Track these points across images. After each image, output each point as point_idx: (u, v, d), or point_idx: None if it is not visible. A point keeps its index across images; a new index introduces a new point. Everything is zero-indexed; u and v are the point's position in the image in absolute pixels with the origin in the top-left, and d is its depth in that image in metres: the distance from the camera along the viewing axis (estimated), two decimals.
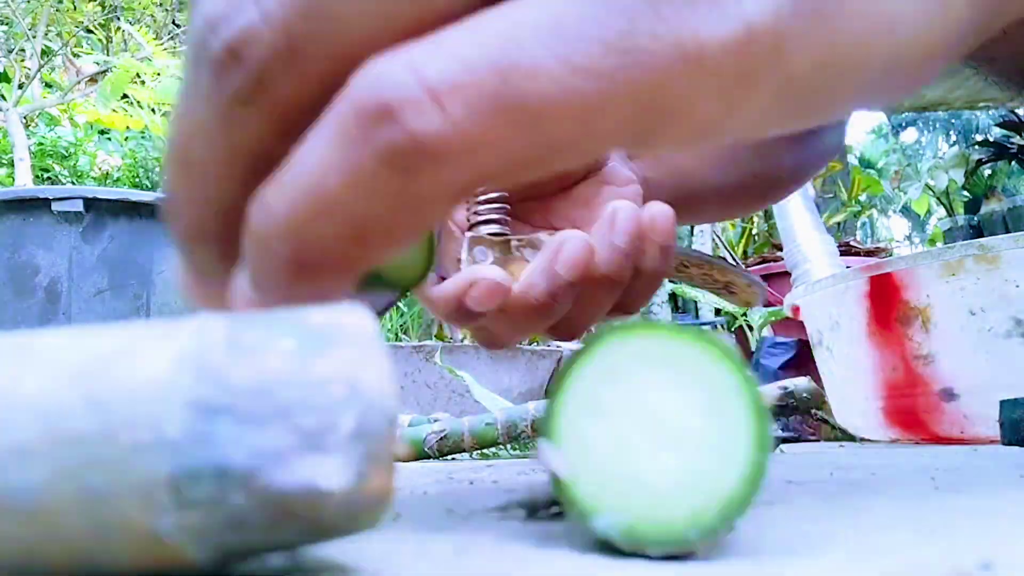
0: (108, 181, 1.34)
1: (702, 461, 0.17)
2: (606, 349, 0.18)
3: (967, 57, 0.55)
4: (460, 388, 1.28)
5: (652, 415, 0.18)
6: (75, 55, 1.80)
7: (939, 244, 3.42)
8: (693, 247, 2.04)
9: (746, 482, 0.17)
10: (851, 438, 1.04)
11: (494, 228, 0.39)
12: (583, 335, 0.40)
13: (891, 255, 2.19)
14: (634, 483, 0.17)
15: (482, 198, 0.39)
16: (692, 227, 2.07)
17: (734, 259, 2.07)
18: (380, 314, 0.29)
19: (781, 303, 1.45)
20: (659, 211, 0.36)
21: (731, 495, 0.17)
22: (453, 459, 0.71)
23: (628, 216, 0.35)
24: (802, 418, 1.19)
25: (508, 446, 0.73)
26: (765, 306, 1.82)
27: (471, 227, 0.39)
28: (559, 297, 0.35)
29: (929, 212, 3.72)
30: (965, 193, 3.18)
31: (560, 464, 0.18)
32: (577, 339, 0.39)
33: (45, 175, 1.32)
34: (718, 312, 1.99)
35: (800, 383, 0.64)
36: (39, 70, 1.51)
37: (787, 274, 1.83)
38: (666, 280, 0.47)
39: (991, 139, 3.07)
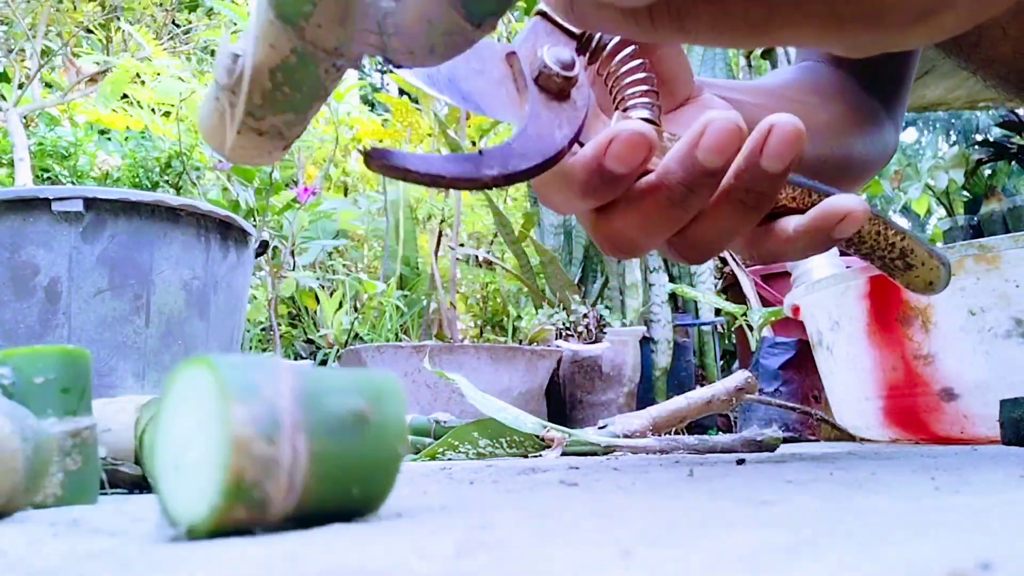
0: (108, 181, 1.34)
1: (195, 480, 0.21)
2: (177, 380, 0.23)
3: (967, 58, 0.55)
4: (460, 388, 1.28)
5: (184, 436, 0.22)
6: (75, 55, 1.80)
7: (939, 244, 3.42)
8: None
9: (220, 496, 0.20)
10: (851, 438, 1.04)
11: (644, 114, 0.36)
12: (709, 257, 0.36)
13: None
14: (174, 487, 0.22)
15: (626, 71, 0.36)
16: None
17: (734, 259, 2.06)
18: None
19: (781, 303, 1.45)
20: (781, 121, 0.32)
21: (209, 508, 0.20)
22: (450, 459, 0.71)
23: (787, 131, 0.32)
24: (802, 418, 1.19)
25: (507, 446, 0.73)
26: (764, 305, 1.82)
27: (618, 107, 0.36)
28: (695, 187, 0.32)
29: (929, 212, 3.71)
30: (965, 193, 3.18)
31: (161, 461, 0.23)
32: (702, 262, 0.36)
33: (45, 175, 1.32)
34: (718, 312, 1.99)
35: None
36: (39, 70, 1.51)
37: (787, 274, 1.83)
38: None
39: (991, 139, 3.07)
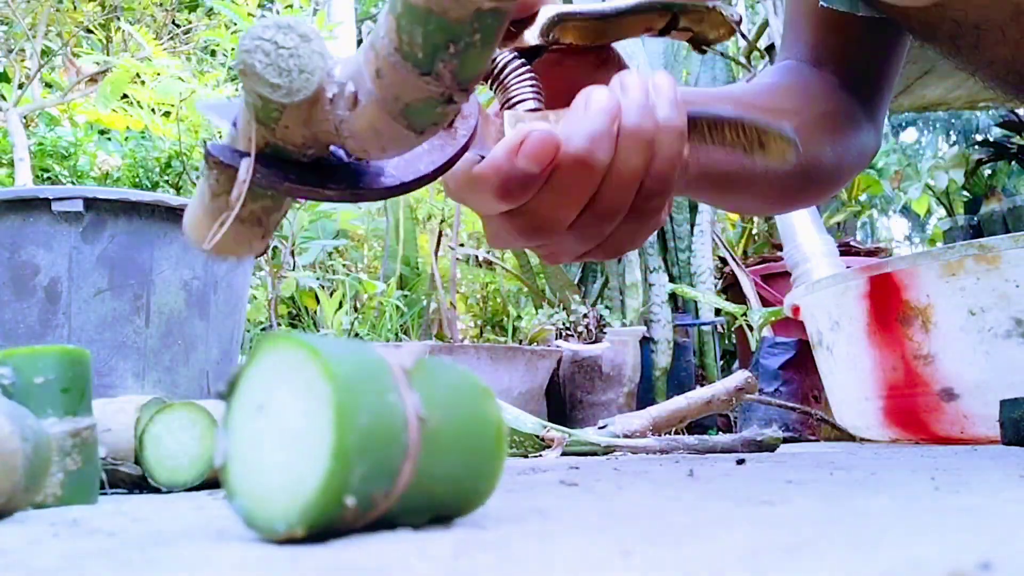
0: (108, 181, 1.34)
1: (300, 464, 0.19)
2: (263, 357, 0.21)
3: (965, 60, 0.55)
4: None
5: (279, 416, 0.20)
6: (75, 55, 1.80)
7: (939, 244, 3.42)
8: (693, 247, 2.04)
9: (322, 491, 0.19)
10: (851, 438, 1.04)
11: (531, 104, 0.37)
12: (625, 252, 0.38)
13: (891, 255, 2.19)
14: (257, 475, 0.20)
15: (512, 77, 0.38)
16: (692, 225, 2.07)
17: (734, 259, 2.06)
18: None
19: (781, 303, 1.45)
20: (661, 75, 0.35)
21: (308, 502, 0.19)
22: None
23: (670, 98, 0.35)
24: (802, 418, 1.19)
25: (507, 446, 0.73)
26: (764, 305, 1.82)
27: (507, 107, 0.38)
28: (599, 145, 0.34)
29: (929, 212, 3.71)
30: (965, 193, 3.18)
31: (220, 452, 0.21)
32: (614, 257, 0.38)
33: (45, 175, 1.32)
34: (718, 312, 1.99)
35: None
36: (39, 70, 1.51)
37: (787, 274, 1.83)
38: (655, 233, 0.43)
39: (991, 139, 3.07)
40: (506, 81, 0.38)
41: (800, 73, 0.59)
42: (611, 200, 0.35)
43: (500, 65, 0.38)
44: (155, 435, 0.40)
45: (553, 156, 0.33)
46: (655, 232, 0.42)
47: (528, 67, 0.38)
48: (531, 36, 0.38)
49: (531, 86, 0.38)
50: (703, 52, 0.44)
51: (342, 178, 0.31)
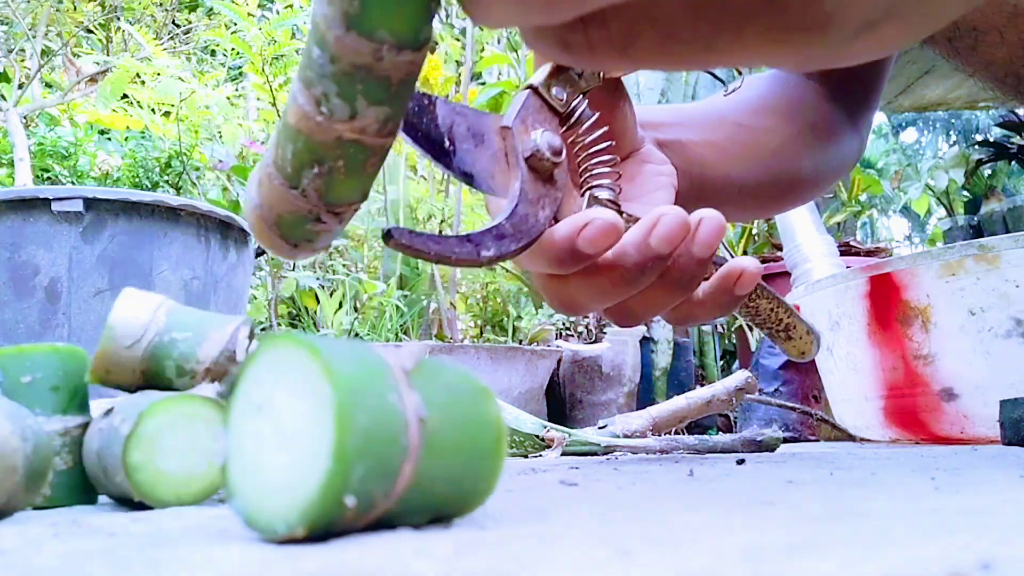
0: (108, 181, 1.34)
1: (300, 464, 0.19)
2: (263, 356, 0.21)
3: (964, 61, 0.55)
4: None
5: (279, 416, 0.20)
6: (75, 55, 1.80)
7: (939, 244, 3.42)
8: None
9: (322, 491, 0.19)
10: (851, 438, 1.04)
11: (608, 195, 0.40)
12: (640, 323, 0.42)
13: (891, 255, 2.19)
14: (257, 475, 0.20)
15: (598, 159, 0.40)
16: None
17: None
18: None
19: None
20: (708, 215, 0.38)
21: (308, 502, 0.19)
22: None
23: (713, 226, 0.37)
24: (802, 418, 1.19)
25: (507, 446, 0.73)
26: None
27: (585, 188, 0.40)
28: (647, 270, 0.36)
29: (929, 212, 3.71)
30: (965, 193, 3.18)
31: (221, 451, 0.21)
32: (633, 326, 0.42)
33: (45, 175, 1.32)
34: None
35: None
36: (39, 70, 1.51)
37: (787, 274, 1.83)
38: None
39: (991, 139, 3.07)
40: (585, 145, 0.40)
41: (787, 83, 0.59)
42: (632, 314, 0.40)
43: (582, 119, 0.39)
44: (150, 435, 0.31)
45: (610, 246, 0.36)
46: None
47: (612, 145, 0.40)
48: (590, 76, 0.40)
49: (609, 170, 0.40)
50: None
51: (490, 242, 0.34)
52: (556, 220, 0.37)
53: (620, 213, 0.40)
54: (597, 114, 0.39)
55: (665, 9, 0.23)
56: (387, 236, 0.31)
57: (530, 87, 0.38)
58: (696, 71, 2.16)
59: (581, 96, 0.39)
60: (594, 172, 0.40)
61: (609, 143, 0.40)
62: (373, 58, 0.23)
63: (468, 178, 0.37)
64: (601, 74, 0.40)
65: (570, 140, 0.40)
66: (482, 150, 0.37)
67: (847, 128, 0.60)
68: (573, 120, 0.39)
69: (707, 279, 0.42)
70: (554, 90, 0.38)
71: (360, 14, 0.22)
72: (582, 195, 0.40)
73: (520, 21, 0.22)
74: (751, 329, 0.51)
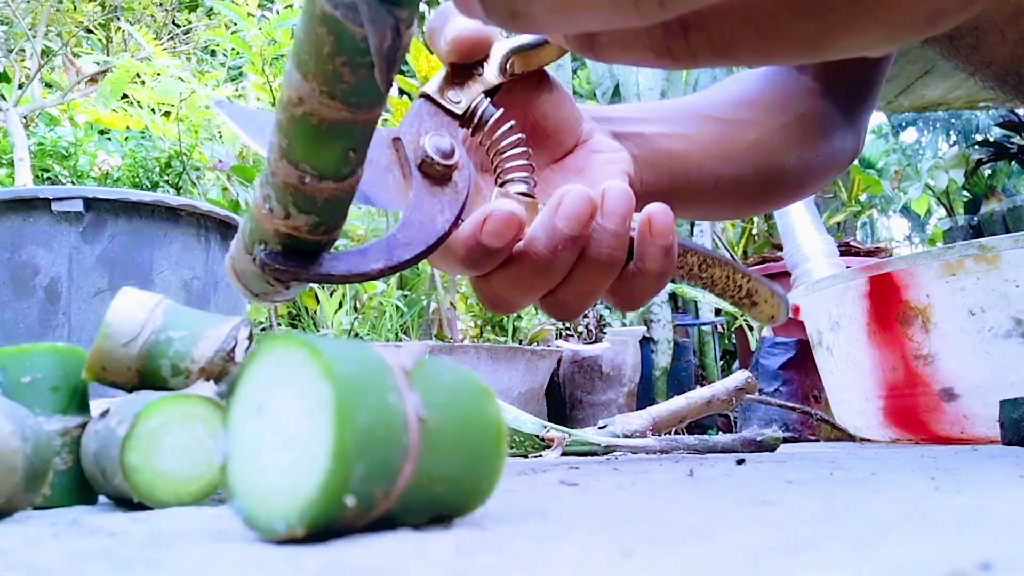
0: (108, 181, 1.34)
1: (300, 464, 0.19)
2: (263, 357, 0.21)
3: (965, 60, 0.55)
4: None
5: (279, 416, 0.20)
6: (75, 55, 1.80)
7: (939, 244, 3.42)
8: None
9: (322, 491, 0.18)
10: (851, 438, 1.04)
11: (522, 188, 0.39)
12: (577, 315, 0.40)
13: (891, 255, 2.19)
14: (257, 475, 0.20)
15: (507, 153, 0.39)
16: (692, 226, 2.07)
17: (734, 259, 2.06)
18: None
19: None
20: (657, 210, 0.37)
21: (308, 502, 0.19)
22: None
23: (618, 195, 0.36)
24: (802, 418, 1.19)
25: (507, 446, 0.73)
26: None
27: (499, 184, 0.39)
28: (558, 252, 0.35)
29: (929, 212, 3.71)
30: (965, 193, 3.18)
31: (220, 451, 0.21)
32: (572, 319, 0.40)
33: (45, 175, 1.32)
34: (718, 312, 1.99)
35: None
36: (39, 70, 1.51)
37: (787, 274, 1.83)
38: (674, 282, 0.43)
39: (991, 139, 3.07)
40: (498, 147, 0.39)
41: (776, 78, 0.58)
42: (564, 306, 0.39)
43: (491, 123, 0.39)
44: (148, 436, 0.30)
45: (515, 235, 0.35)
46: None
47: (520, 136, 0.40)
48: (492, 75, 0.39)
49: (523, 164, 0.39)
50: None
51: (376, 255, 0.33)
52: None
53: (535, 205, 0.39)
54: (501, 111, 0.39)
55: (768, 8, 0.22)
56: (262, 266, 0.31)
57: (423, 95, 0.38)
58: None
59: (483, 96, 0.39)
60: (506, 167, 0.40)
61: (519, 136, 0.40)
62: (299, 181, 0.28)
63: (366, 199, 0.36)
64: (508, 69, 0.39)
65: (479, 141, 0.39)
66: (373, 167, 0.36)
67: (842, 124, 0.59)
68: (476, 121, 0.39)
69: (693, 274, 0.41)
70: (450, 94, 0.38)
71: (288, 149, 0.27)
72: (493, 193, 0.39)
73: (617, 23, 0.21)
74: (721, 297, 0.48)
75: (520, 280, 0.37)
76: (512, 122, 0.39)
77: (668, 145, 0.49)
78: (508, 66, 0.40)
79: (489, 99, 0.39)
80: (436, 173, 0.36)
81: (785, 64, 0.25)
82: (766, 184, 0.55)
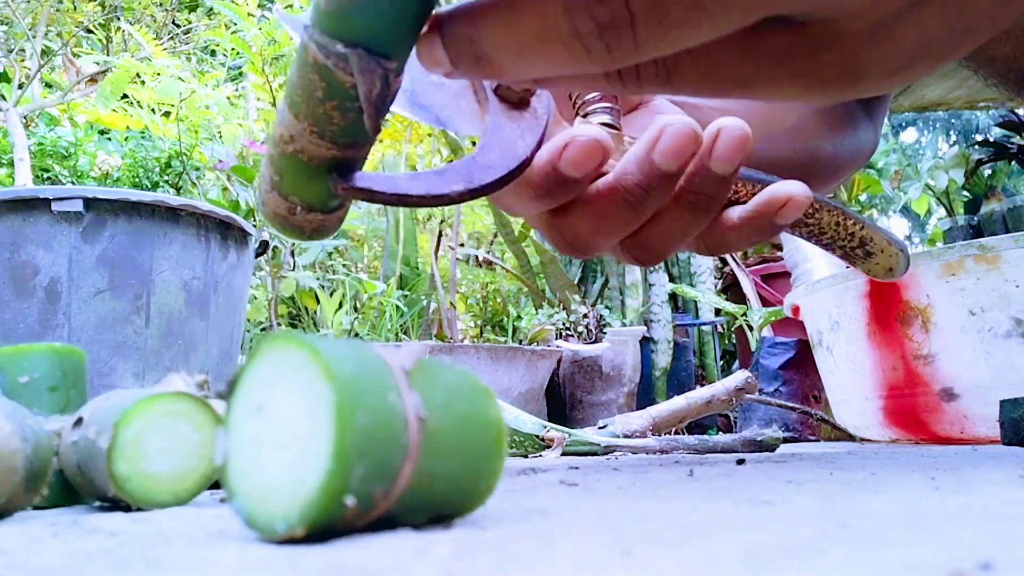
0: (108, 181, 1.34)
1: (300, 464, 0.19)
2: (263, 357, 0.21)
3: (967, 58, 0.55)
4: None
5: (279, 416, 0.20)
6: (75, 55, 1.80)
7: (939, 244, 3.42)
8: None
9: (322, 491, 0.19)
10: (851, 438, 1.04)
11: (605, 118, 0.37)
12: (660, 260, 0.37)
13: None
14: (257, 475, 0.20)
15: (590, 96, 0.37)
16: None
17: (734, 259, 2.06)
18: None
19: (781, 303, 1.45)
20: (729, 124, 0.34)
21: (308, 502, 0.19)
22: None
23: (733, 137, 0.33)
24: (802, 418, 1.19)
25: (507, 446, 0.73)
26: (764, 305, 1.82)
27: (582, 114, 0.37)
28: (651, 189, 0.33)
29: (929, 212, 3.71)
30: (965, 193, 3.18)
31: (220, 451, 0.21)
32: (654, 263, 0.37)
33: (45, 175, 1.32)
34: (718, 312, 1.99)
35: None
36: (39, 70, 1.51)
37: (787, 274, 1.83)
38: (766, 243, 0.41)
39: (991, 139, 3.07)
40: (586, 98, 0.37)
41: None
42: (650, 246, 0.36)
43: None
44: (132, 443, 0.29)
45: (597, 165, 0.32)
46: None
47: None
48: None
49: (608, 106, 0.37)
50: None
51: (456, 177, 0.30)
52: None
53: (620, 137, 0.36)
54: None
55: (711, 47, 0.23)
56: (335, 186, 0.28)
57: None
58: None
59: None
60: (587, 98, 0.37)
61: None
62: (288, 212, 0.29)
63: (439, 122, 0.34)
64: None
65: (575, 106, 0.37)
66: (445, 91, 0.35)
67: (862, 116, 0.60)
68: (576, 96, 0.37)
69: (742, 202, 0.37)
70: None
71: (279, 182, 0.28)
72: (575, 123, 0.37)
73: (572, 69, 0.23)
74: (829, 248, 0.42)
75: (604, 218, 0.34)
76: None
77: (718, 121, 0.48)
78: None
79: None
80: (514, 96, 0.33)
81: (720, 98, 0.25)
82: (803, 168, 0.54)
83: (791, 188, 0.35)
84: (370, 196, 0.29)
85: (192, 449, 0.31)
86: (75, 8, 1.77)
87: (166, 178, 1.39)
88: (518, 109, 0.33)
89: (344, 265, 1.94)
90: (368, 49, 0.23)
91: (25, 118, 1.45)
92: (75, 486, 0.32)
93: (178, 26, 2.35)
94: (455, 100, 0.35)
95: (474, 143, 1.88)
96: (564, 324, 1.70)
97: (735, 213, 0.36)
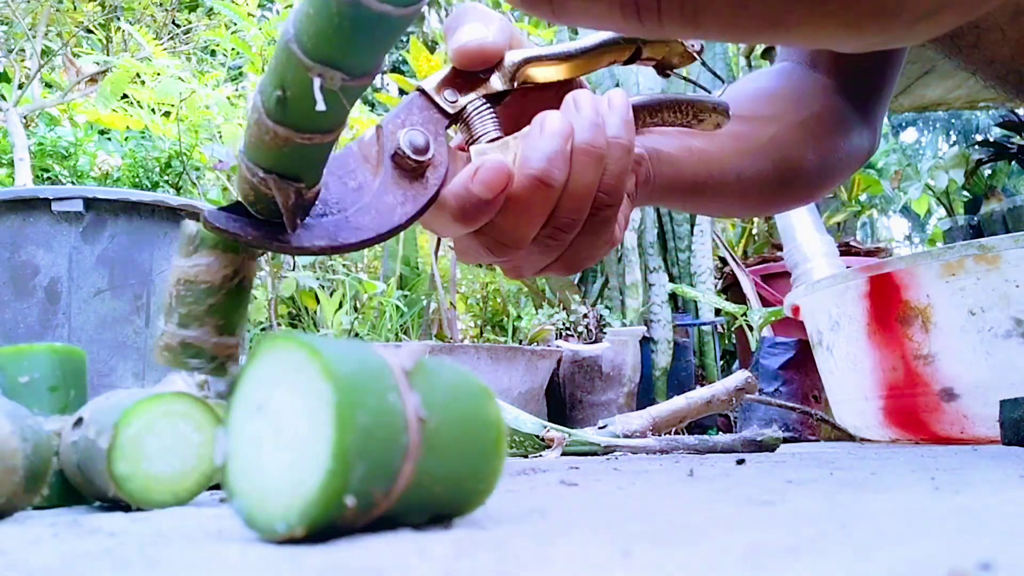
0: (108, 181, 1.34)
1: (300, 464, 0.19)
2: (263, 357, 0.21)
3: (967, 59, 0.55)
4: None
5: (279, 416, 0.20)
6: (75, 55, 1.80)
7: (939, 244, 3.42)
8: (693, 247, 2.04)
9: (322, 491, 0.19)
10: (851, 438, 1.04)
11: (492, 135, 0.39)
12: (581, 268, 0.40)
13: (891, 255, 2.19)
14: (257, 475, 0.20)
15: (473, 115, 0.39)
16: (692, 225, 2.07)
17: (734, 259, 2.06)
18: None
19: (781, 303, 1.45)
20: (614, 92, 0.39)
21: (308, 501, 0.19)
22: None
23: (587, 98, 0.37)
24: (802, 418, 1.19)
25: (507, 446, 0.73)
26: (764, 305, 1.82)
27: (471, 144, 0.39)
28: (554, 164, 0.36)
29: (929, 212, 3.71)
30: (965, 193, 3.18)
31: (220, 451, 0.21)
32: (574, 272, 0.41)
33: (45, 175, 1.32)
34: (718, 312, 1.99)
35: None
36: (39, 70, 1.51)
37: (787, 274, 1.83)
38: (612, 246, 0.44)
39: (991, 139, 3.07)
40: (468, 120, 0.40)
41: (792, 76, 0.59)
42: (568, 214, 0.38)
43: (468, 112, 0.40)
44: (132, 443, 0.30)
45: (505, 183, 0.36)
46: (618, 245, 0.47)
47: (487, 103, 0.40)
48: (497, 82, 0.40)
49: (491, 119, 0.40)
50: (667, 76, 0.47)
51: (322, 233, 0.33)
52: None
53: (507, 142, 0.39)
54: (486, 105, 0.39)
55: None
56: (204, 222, 0.30)
57: (419, 89, 0.38)
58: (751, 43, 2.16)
59: (482, 99, 0.39)
60: (476, 129, 0.39)
61: (490, 109, 0.40)
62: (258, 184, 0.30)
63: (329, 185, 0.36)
64: (517, 78, 0.40)
65: (467, 141, 0.40)
66: (349, 154, 0.37)
67: (857, 122, 0.60)
68: (464, 118, 0.39)
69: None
70: (446, 93, 0.38)
71: (247, 151, 0.29)
72: (475, 149, 0.39)
73: None
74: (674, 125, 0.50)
75: (523, 211, 0.37)
76: (489, 106, 0.40)
77: (689, 141, 0.49)
78: (516, 76, 0.40)
79: (488, 104, 0.39)
80: (407, 166, 0.36)
81: (747, 42, 0.25)
82: (786, 180, 0.55)
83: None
84: (235, 238, 0.30)
85: (192, 449, 0.31)
86: (75, 8, 1.77)
87: (166, 178, 1.39)
88: (410, 179, 0.36)
89: (344, 265, 1.94)
90: (281, 175, 0.28)
91: (25, 118, 1.45)
92: (75, 486, 0.32)
93: (178, 26, 2.35)
94: (357, 160, 0.36)
95: None
96: (564, 324, 1.70)
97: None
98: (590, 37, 0.42)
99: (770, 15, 0.23)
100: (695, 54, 0.44)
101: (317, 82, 0.25)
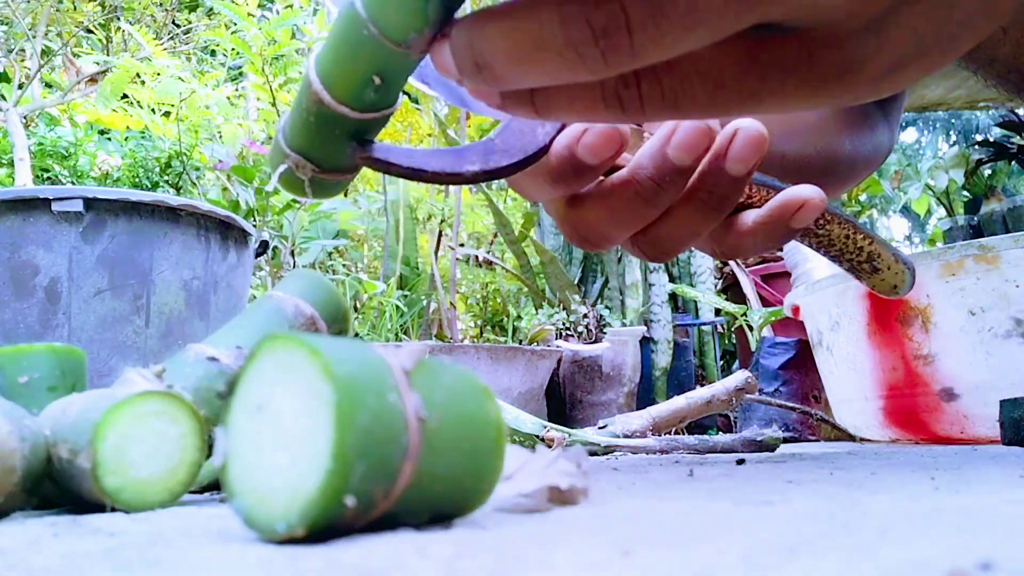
0: (108, 181, 1.34)
1: (300, 464, 0.19)
2: (263, 357, 0.21)
3: (967, 59, 0.55)
4: None
5: (279, 416, 0.20)
6: (75, 55, 1.80)
7: (939, 244, 3.42)
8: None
9: (322, 491, 0.19)
10: (851, 438, 1.04)
11: None
12: (671, 256, 0.38)
13: None
14: (257, 475, 0.20)
15: None
16: None
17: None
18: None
19: (781, 303, 1.45)
20: (745, 125, 0.34)
21: (308, 501, 0.19)
22: None
23: (749, 139, 0.33)
24: (802, 418, 1.19)
25: None
26: (764, 305, 1.82)
27: None
28: (664, 184, 0.33)
29: (929, 212, 3.71)
30: (965, 193, 3.17)
31: (219, 451, 0.21)
32: (664, 260, 0.38)
33: (45, 175, 1.32)
34: (718, 312, 1.99)
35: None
36: (39, 70, 1.51)
37: (787, 274, 1.83)
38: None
39: (991, 139, 3.06)
40: None
41: None
42: (663, 243, 0.36)
43: None
44: (113, 454, 0.29)
45: (613, 153, 0.32)
46: None
47: None
48: None
49: None
50: None
51: (473, 158, 0.31)
52: None
53: (640, 132, 0.36)
54: None
55: (715, 64, 0.23)
56: (353, 154, 0.29)
57: None
58: None
59: None
60: None
61: None
62: (298, 168, 0.29)
63: (462, 101, 0.34)
64: None
65: None
66: None
67: (880, 119, 0.60)
68: None
69: (757, 206, 0.37)
70: None
71: (298, 142, 0.29)
72: None
73: (568, 77, 0.23)
74: (836, 260, 0.42)
75: (617, 210, 0.34)
76: None
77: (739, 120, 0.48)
78: None
79: None
80: None
81: (726, 116, 0.25)
82: (826, 168, 0.54)
83: (806, 192, 0.36)
84: (386, 167, 0.29)
85: (174, 443, 0.30)
86: (75, 8, 1.77)
87: (166, 178, 1.39)
88: None
89: (344, 265, 1.94)
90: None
91: (25, 118, 1.45)
92: (70, 499, 0.32)
93: (178, 26, 2.35)
94: None
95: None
96: (564, 324, 1.70)
97: (750, 217, 0.37)
98: None
99: (744, 92, 0.24)
100: None
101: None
